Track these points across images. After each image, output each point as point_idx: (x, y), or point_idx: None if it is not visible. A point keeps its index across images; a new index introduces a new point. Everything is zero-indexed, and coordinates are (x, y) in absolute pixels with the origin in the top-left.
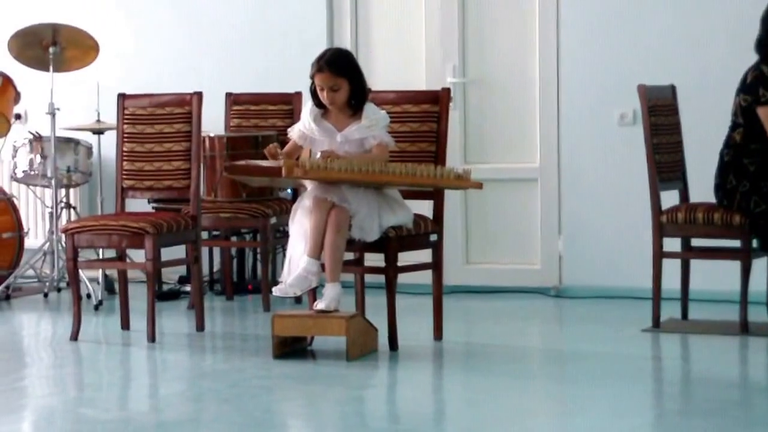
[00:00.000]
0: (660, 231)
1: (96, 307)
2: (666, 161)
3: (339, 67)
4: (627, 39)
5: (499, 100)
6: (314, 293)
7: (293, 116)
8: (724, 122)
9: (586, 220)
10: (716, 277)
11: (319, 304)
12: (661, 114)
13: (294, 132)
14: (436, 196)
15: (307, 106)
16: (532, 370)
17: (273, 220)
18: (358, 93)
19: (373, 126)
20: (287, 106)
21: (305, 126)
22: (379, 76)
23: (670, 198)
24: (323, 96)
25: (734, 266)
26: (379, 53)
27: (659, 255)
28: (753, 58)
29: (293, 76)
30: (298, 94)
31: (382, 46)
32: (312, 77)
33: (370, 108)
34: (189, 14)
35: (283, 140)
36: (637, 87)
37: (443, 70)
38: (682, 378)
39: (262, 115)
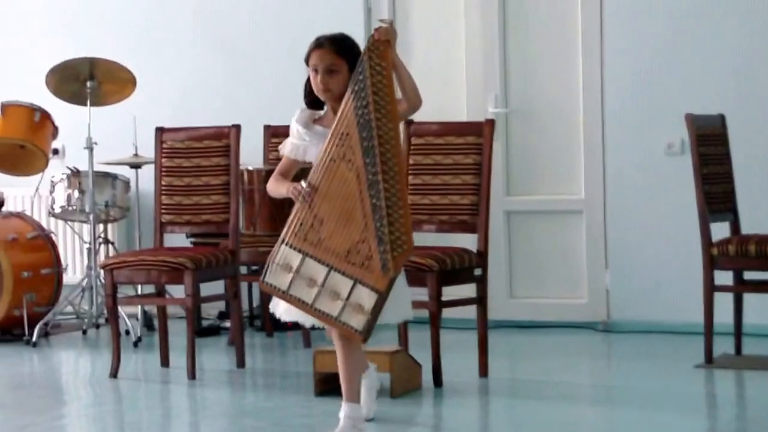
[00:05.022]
0: (711, 264)
1: (135, 344)
2: (716, 192)
3: (341, 46)
4: (673, 67)
5: (542, 131)
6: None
7: None
8: None
9: (634, 252)
10: None
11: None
12: (709, 144)
13: (286, 147)
14: (480, 229)
15: (295, 115)
16: (580, 407)
17: None
18: None
19: None
20: None
21: (295, 135)
22: (421, 107)
23: (720, 230)
24: (316, 82)
25: None
26: (420, 83)
27: (710, 288)
28: None
29: None
30: None
31: (422, 76)
32: (307, 58)
33: None
34: (226, 47)
35: None
36: (684, 116)
37: (485, 100)
38: (737, 416)
39: None
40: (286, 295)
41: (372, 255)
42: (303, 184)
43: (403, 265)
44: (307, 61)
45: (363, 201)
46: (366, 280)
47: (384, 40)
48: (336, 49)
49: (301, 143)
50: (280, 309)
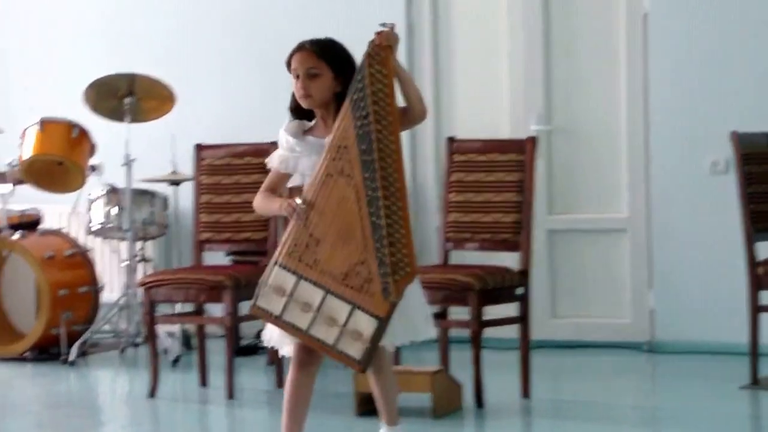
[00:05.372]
0: (756, 284)
1: (173, 363)
2: (761, 211)
3: (324, 48)
4: (718, 85)
5: (585, 148)
6: (396, 352)
7: None
8: None
9: (678, 272)
10: None
11: None
12: (755, 162)
13: (273, 160)
14: (523, 247)
15: (283, 125)
16: (624, 429)
17: None
18: (345, 91)
19: None
20: None
21: (284, 146)
22: (462, 123)
23: (766, 249)
24: (297, 87)
25: None
26: (463, 100)
27: (756, 309)
28: None
29: None
30: None
31: (465, 93)
32: (288, 63)
33: None
34: (265, 64)
35: None
36: (729, 134)
37: (527, 118)
38: None
39: None
40: (279, 321)
41: (372, 278)
42: (298, 200)
43: (425, 289)
44: (288, 66)
45: (362, 220)
46: (365, 305)
47: (385, 45)
48: (318, 52)
49: (291, 155)
50: (275, 338)
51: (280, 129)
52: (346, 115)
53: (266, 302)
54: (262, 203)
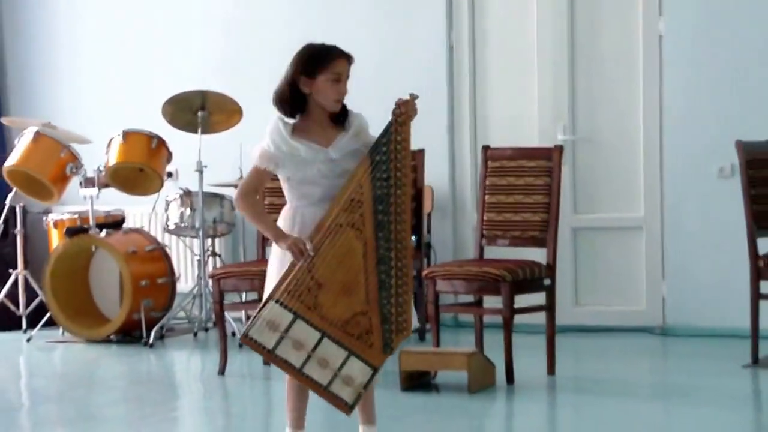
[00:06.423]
0: (757, 275)
1: (240, 345)
2: (763, 211)
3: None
4: (725, 98)
5: (606, 156)
6: (437, 336)
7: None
8: None
9: (688, 265)
10: None
11: None
12: (757, 167)
13: (261, 157)
14: (549, 244)
15: (272, 122)
16: (638, 402)
17: None
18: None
19: (360, 133)
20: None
21: (277, 144)
22: (496, 133)
23: (767, 245)
24: (337, 90)
25: None
26: (496, 113)
27: (756, 297)
28: None
29: (415, 134)
30: (421, 152)
31: (499, 107)
32: (323, 65)
33: (351, 113)
34: None
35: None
36: (735, 143)
37: (554, 129)
38: None
39: None
40: (270, 355)
41: (371, 330)
42: (308, 244)
43: (464, 280)
44: (321, 66)
45: (368, 275)
46: (363, 354)
47: (409, 114)
48: (350, 61)
49: (284, 157)
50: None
51: (269, 126)
52: (365, 172)
53: (258, 335)
54: (254, 214)
